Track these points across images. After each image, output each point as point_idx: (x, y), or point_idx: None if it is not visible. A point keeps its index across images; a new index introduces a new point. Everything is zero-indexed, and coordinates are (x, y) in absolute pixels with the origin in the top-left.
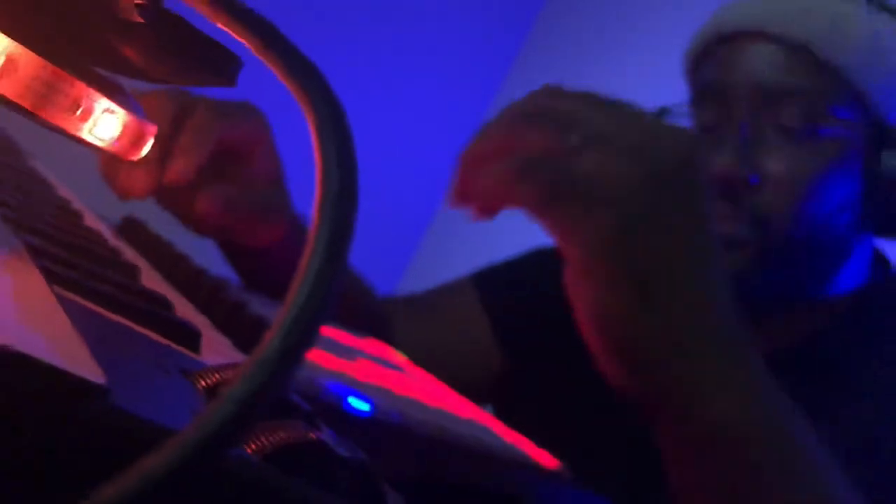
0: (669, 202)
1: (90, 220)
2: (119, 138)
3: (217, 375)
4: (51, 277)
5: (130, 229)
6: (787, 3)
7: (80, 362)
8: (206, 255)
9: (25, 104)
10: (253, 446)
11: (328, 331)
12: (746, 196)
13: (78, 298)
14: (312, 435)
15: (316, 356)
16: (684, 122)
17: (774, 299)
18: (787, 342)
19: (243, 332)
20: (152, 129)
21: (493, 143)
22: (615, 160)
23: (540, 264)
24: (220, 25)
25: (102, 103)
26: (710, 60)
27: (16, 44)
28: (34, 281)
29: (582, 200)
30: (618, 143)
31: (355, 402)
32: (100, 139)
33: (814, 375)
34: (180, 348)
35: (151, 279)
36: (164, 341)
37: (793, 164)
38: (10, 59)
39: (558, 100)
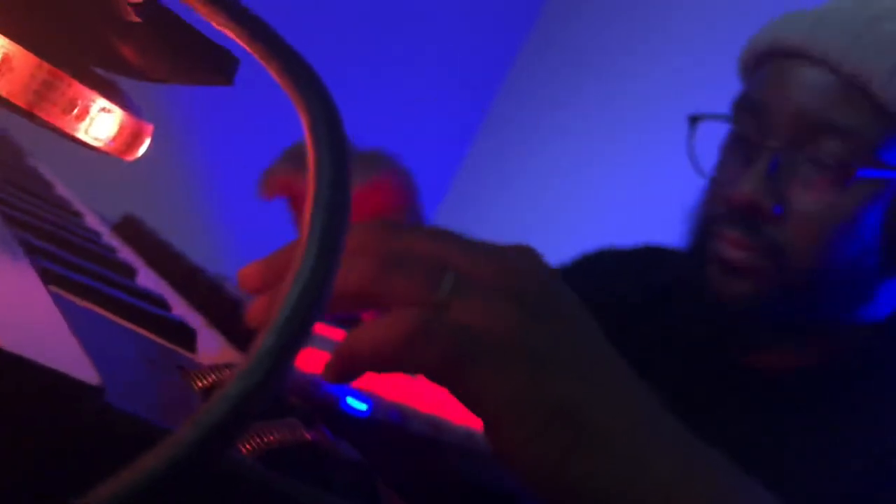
0: (553, 322)
1: (88, 220)
2: (115, 137)
3: (213, 375)
4: (47, 277)
5: (128, 228)
6: (855, 32)
7: (75, 363)
8: (204, 254)
9: (21, 103)
10: (248, 446)
11: (325, 329)
12: (766, 226)
13: (74, 298)
14: (308, 435)
15: (312, 355)
16: (722, 123)
17: (782, 332)
18: (797, 363)
19: (240, 330)
20: (149, 128)
21: (355, 287)
22: (493, 305)
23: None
24: (216, 25)
25: (99, 103)
26: (760, 71)
27: (12, 43)
28: (30, 280)
29: (488, 357)
30: (483, 285)
31: (353, 402)
32: (96, 138)
33: (818, 400)
34: (176, 347)
35: (148, 278)
36: (160, 340)
37: (821, 202)
38: (6, 59)
39: (405, 240)
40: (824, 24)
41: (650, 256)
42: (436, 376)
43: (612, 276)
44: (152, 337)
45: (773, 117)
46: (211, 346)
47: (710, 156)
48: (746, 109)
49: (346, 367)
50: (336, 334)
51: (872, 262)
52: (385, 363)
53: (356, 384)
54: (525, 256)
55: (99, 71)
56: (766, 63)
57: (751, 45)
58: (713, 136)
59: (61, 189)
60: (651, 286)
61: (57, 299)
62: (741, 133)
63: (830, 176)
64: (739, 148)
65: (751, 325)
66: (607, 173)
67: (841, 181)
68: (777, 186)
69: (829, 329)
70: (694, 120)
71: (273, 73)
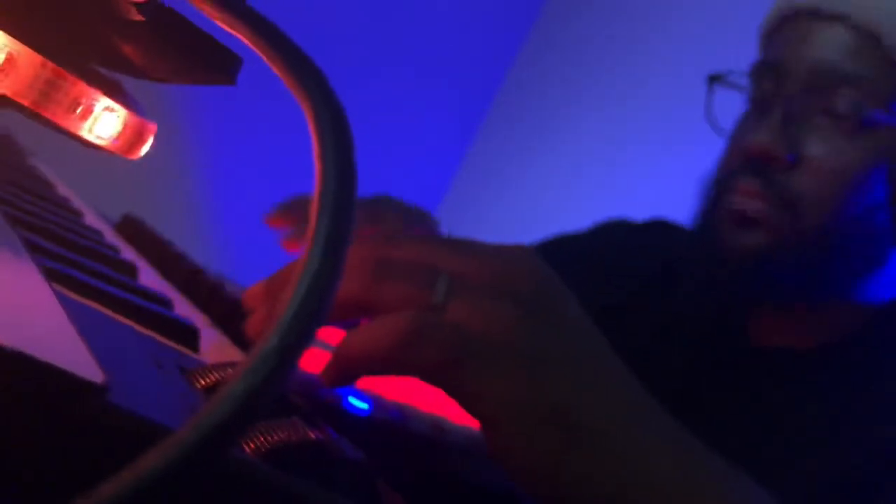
0: (548, 322)
1: (90, 219)
2: (119, 136)
3: (215, 374)
4: (50, 275)
5: (130, 227)
6: None
7: (79, 360)
8: (205, 254)
9: (26, 102)
10: (252, 445)
11: (330, 330)
12: (780, 175)
13: (77, 296)
14: (311, 434)
15: (315, 355)
16: (738, 88)
17: (794, 292)
18: (806, 343)
19: (242, 330)
20: (152, 127)
21: (350, 296)
22: (488, 306)
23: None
24: (221, 25)
25: (103, 102)
26: (778, 35)
27: (16, 42)
28: (33, 279)
29: (484, 358)
30: (478, 287)
31: (354, 401)
32: (99, 137)
33: (829, 380)
34: (179, 346)
35: (150, 277)
36: (163, 339)
37: (835, 150)
38: (10, 58)
39: (399, 248)
40: None
41: (661, 231)
42: (432, 377)
43: (623, 247)
44: (155, 336)
45: (789, 72)
46: (213, 346)
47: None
48: (764, 71)
49: (344, 371)
50: (340, 335)
51: (882, 220)
52: (381, 365)
53: (358, 383)
54: (521, 257)
55: (102, 70)
56: (785, 26)
57: (772, 12)
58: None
59: (63, 189)
60: (661, 261)
61: (60, 298)
62: (758, 95)
63: (843, 124)
64: (757, 106)
65: (760, 279)
66: (607, 173)
67: (854, 129)
68: (791, 135)
69: (838, 298)
70: (712, 80)
71: (276, 70)
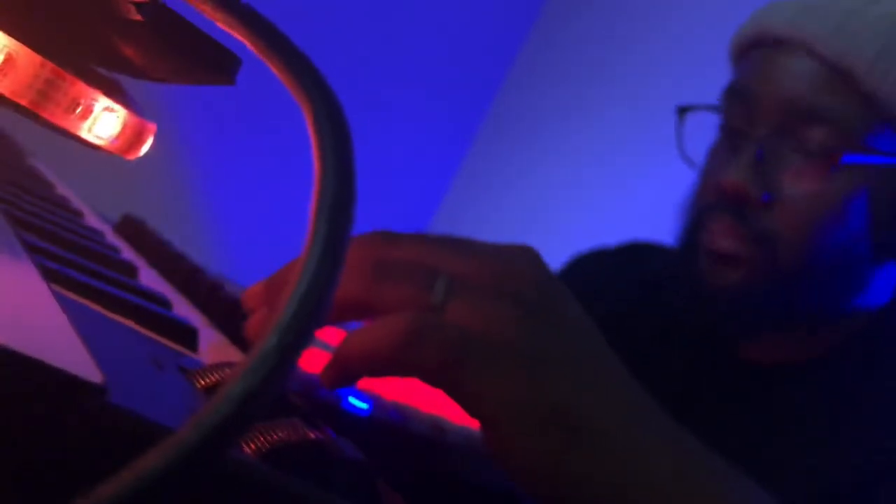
0: (548, 322)
1: (90, 219)
2: (118, 136)
3: (215, 374)
4: (49, 275)
5: (129, 228)
6: (837, 19)
7: (77, 360)
8: (205, 254)
9: (25, 102)
10: (252, 445)
11: (329, 330)
12: (754, 214)
13: (76, 297)
14: (311, 434)
15: (315, 355)
16: (710, 116)
17: (774, 325)
18: (788, 358)
19: (241, 329)
20: (152, 127)
21: (349, 297)
22: (488, 306)
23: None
24: (220, 25)
25: (102, 102)
26: (747, 59)
27: (15, 42)
28: (33, 279)
29: (484, 358)
30: (478, 287)
31: (354, 401)
32: (99, 137)
33: (816, 393)
34: (178, 346)
35: (150, 278)
36: (163, 339)
37: (808, 189)
38: (9, 58)
39: (399, 248)
40: (807, 12)
41: (638, 252)
42: (432, 378)
43: (602, 275)
44: (155, 336)
45: (759, 106)
46: (213, 346)
47: (705, 149)
48: (734, 98)
49: (343, 372)
50: (340, 335)
51: (862, 248)
52: (381, 367)
53: (358, 383)
54: (522, 256)
55: (102, 70)
56: (752, 52)
57: (738, 35)
58: (710, 129)
59: (62, 189)
60: (641, 281)
61: (60, 298)
62: (729, 122)
63: (816, 163)
64: (729, 137)
65: (743, 315)
66: (607, 173)
67: (827, 168)
68: (764, 174)
69: (825, 320)
70: (682, 111)
71: (275, 70)
